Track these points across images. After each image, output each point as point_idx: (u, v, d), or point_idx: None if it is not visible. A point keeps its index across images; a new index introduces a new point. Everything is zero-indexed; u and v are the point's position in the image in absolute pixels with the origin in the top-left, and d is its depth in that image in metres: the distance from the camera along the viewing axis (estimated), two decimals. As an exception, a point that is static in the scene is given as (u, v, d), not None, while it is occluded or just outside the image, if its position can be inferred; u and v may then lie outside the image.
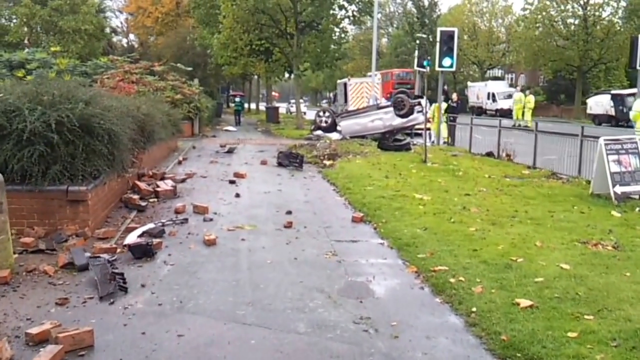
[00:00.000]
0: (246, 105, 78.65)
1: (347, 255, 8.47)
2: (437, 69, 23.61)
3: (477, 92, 63.72)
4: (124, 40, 75.59)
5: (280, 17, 37.19)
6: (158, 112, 17.59)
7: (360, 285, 7.19)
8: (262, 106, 70.15)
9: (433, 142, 25.42)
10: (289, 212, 11.20)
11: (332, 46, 39.30)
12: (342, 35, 40.39)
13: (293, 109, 54.13)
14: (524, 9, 61.98)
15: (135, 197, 11.28)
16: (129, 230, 9.39)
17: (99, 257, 7.53)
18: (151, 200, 11.85)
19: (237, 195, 12.87)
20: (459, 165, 17.73)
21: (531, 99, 39.87)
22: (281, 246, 8.89)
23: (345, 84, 42.02)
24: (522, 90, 43.47)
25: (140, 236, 8.95)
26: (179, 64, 33.86)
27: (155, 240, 8.52)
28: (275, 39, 38.89)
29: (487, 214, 11.02)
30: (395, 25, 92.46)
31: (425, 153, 18.62)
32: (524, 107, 39.23)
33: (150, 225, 9.52)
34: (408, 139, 24.80)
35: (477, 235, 9.31)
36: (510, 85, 65.06)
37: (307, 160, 19.01)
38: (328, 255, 8.43)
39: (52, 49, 28.92)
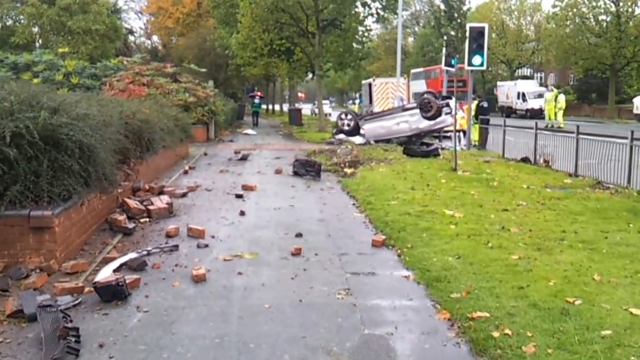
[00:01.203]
0: (271, 107, 78.09)
1: (364, 295, 6.92)
2: (466, 67, 22.04)
3: (507, 91, 62.01)
4: (148, 42, 74.63)
5: (301, 15, 35.65)
6: (163, 116, 16.29)
7: (378, 342, 5.65)
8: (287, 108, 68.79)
9: (464, 146, 23.78)
10: (299, 235, 9.65)
11: (355, 45, 37.80)
12: (366, 34, 38.82)
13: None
14: (554, 6, 59.95)
15: (122, 217, 9.73)
16: (107, 260, 7.91)
17: (50, 305, 6.02)
18: (142, 220, 10.34)
19: (242, 213, 11.29)
20: (493, 174, 16.07)
21: (562, 98, 38.25)
22: (285, 282, 7.34)
23: (370, 85, 40.63)
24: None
25: (117, 270, 7.48)
26: (192, 65, 32.55)
27: (131, 277, 7.02)
28: (297, 38, 37.46)
29: (531, 235, 9.40)
30: (421, 24, 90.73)
31: (456, 160, 16.96)
32: (556, 107, 37.70)
33: (132, 255, 8.02)
34: (436, 144, 23.27)
35: (521, 266, 7.71)
36: (540, 85, 63.12)
37: (326, 168, 17.48)
38: (341, 295, 6.89)
39: (60, 50, 27.80)
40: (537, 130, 19.38)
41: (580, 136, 16.47)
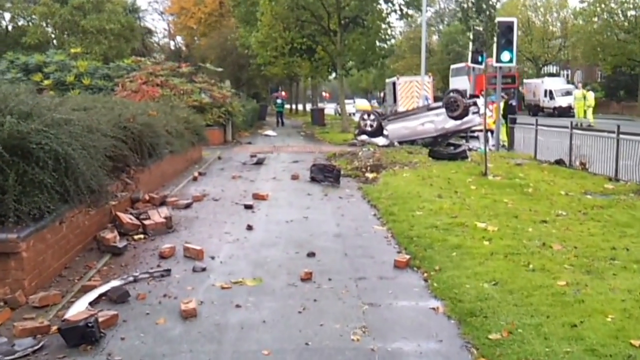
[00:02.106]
0: (294, 107, 77.38)
1: (384, 335, 5.76)
2: (495, 64, 20.82)
3: (534, 89, 60.46)
4: (171, 43, 73.95)
5: (322, 12, 34.70)
6: (172, 119, 15.31)
7: (401, 405, 4.51)
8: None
9: (492, 147, 22.48)
10: (312, 255, 8.47)
11: (378, 43, 36.75)
12: (389, 32, 37.71)
13: (342, 111, 51.85)
14: (581, 1, 58.43)
15: (111, 235, 8.60)
16: (85, 289, 6.82)
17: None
18: (136, 237, 9.21)
19: (249, 228, 10.11)
20: (526, 178, 14.78)
21: (591, 96, 36.99)
22: (290, 318, 6.18)
23: (394, 83, 39.46)
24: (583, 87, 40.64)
25: (95, 302, 6.40)
26: (208, 65, 31.57)
27: (107, 314, 5.92)
28: (318, 37, 36.51)
29: (576, 254, 8.16)
30: (446, 22, 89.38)
31: (486, 163, 15.67)
32: (585, 105, 36.51)
33: (114, 284, 6.91)
34: (464, 145, 22.03)
35: (570, 295, 6.52)
36: (568, 82, 61.58)
37: (346, 173, 16.33)
38: (356, 336, 5.72)
39: (72, 50, 26.93)
40: (572, 130, 18.05)
41: (621, 136, 15.17)
